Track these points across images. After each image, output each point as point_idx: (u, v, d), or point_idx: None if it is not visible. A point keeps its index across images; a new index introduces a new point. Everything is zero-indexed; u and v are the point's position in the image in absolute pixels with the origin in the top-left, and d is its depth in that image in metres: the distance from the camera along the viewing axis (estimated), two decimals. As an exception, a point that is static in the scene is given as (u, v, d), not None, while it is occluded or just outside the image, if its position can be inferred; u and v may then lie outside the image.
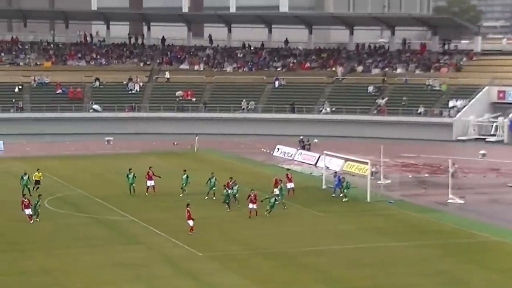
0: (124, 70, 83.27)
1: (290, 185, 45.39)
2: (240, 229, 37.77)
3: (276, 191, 42.42)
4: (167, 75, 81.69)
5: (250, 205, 39.76)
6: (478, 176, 53.49)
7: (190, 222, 36.13)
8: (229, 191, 41.78)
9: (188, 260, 32.38)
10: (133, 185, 45.91)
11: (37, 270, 30.98)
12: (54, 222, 38.91)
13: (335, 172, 47.63)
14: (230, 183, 42.88)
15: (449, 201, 44.67)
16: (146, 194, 45.67)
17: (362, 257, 32.63)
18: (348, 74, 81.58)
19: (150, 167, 47.04)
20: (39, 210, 38.83)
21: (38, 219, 38.47)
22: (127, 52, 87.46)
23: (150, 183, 46.17)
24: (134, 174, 46.33)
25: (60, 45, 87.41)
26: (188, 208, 36.40)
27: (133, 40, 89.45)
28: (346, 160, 55.05)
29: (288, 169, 47.75)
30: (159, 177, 46.26)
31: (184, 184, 45.95)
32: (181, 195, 45.49)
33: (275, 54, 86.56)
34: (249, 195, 39.94)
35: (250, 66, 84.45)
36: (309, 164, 59.28)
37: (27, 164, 54.16)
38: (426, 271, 30.76)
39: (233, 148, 66.86)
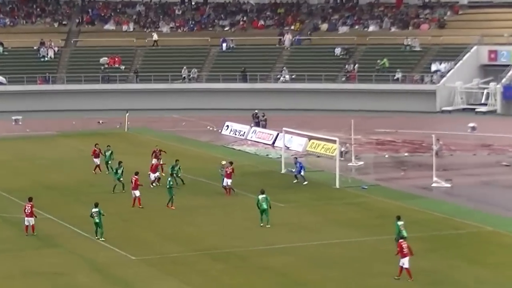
0: (34, 32, 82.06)
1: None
2: (181, 225, 37.65)
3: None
4: (155, 37, 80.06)
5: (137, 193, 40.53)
6: (467, 154, 54.20)
7: (31, 220, 35.35)
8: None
9: (118, 265, 32.15)
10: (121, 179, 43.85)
11: None
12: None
13: (295, 158, 47.31)
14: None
15: (433, 185, 45.20)
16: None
17: (330, 255, 32.81)
18: (311, 33, 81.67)
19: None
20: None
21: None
22: (38, 9, 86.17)
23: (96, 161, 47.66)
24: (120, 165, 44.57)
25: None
26: (32, 203, 35.66)
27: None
28: (310, 138, 55.20)
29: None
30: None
31: (108, 161, 46.99)
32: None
33: (221, 11, 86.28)
34: (132, 179, 40.64)
35: (191, 26, 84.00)
36: (265, 144, 59.36)
37: None
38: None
39: (172, 127, 66.51)
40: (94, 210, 35.03)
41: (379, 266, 31.65)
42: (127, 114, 65.39)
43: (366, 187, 44.95)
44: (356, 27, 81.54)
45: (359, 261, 32.37)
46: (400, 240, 30.30)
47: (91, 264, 32.33)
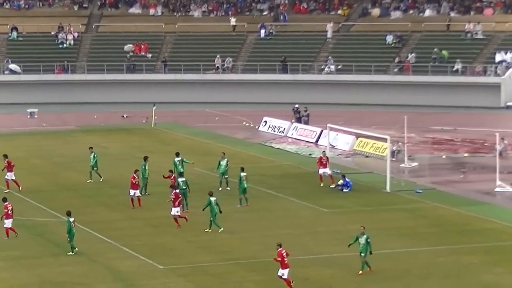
0: (51, 15, 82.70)
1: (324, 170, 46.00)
2: (213, 232, 37.82)
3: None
4: (233, 21, 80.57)
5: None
6: (535, 155, 53.91)
7: (8, 223, 36.36)
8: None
9: (144, 275, 32.40)
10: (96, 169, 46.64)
11: None
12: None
13: (343, 176, 46.19)
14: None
15: (497, 189, 45.03)
16: None
17: (380, 268, 32.82)
18: (360, 19, 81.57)
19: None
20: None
21: None
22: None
23: None
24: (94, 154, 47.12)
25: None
26: (9, 205, 36.49)
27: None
28: (358, 136, 55.18)
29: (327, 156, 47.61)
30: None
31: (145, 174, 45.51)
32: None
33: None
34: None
35: (226, 10, 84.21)
36: (307, 142, 59.44)
37: None
38: (467, 285, 31.00)
39: (204, 122, 66.82)
40: (71, 219, 34.56)
41: (435, 281, 31.62)
42: (154, 107, 65.70)
43: (420, 191, 44.78)
44: (411, 11, 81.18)
45: (412, 274, 32.36)
46: (280, 249, 30.47)
47: (114, 274, 32.63)
